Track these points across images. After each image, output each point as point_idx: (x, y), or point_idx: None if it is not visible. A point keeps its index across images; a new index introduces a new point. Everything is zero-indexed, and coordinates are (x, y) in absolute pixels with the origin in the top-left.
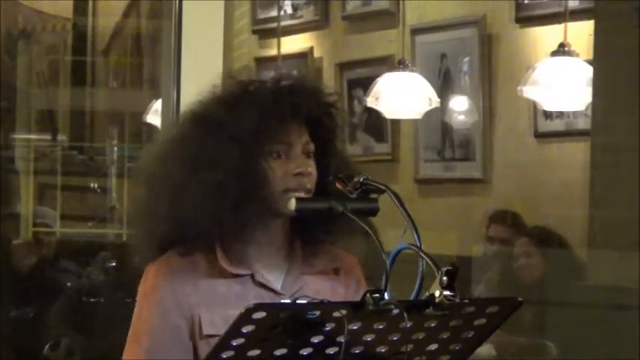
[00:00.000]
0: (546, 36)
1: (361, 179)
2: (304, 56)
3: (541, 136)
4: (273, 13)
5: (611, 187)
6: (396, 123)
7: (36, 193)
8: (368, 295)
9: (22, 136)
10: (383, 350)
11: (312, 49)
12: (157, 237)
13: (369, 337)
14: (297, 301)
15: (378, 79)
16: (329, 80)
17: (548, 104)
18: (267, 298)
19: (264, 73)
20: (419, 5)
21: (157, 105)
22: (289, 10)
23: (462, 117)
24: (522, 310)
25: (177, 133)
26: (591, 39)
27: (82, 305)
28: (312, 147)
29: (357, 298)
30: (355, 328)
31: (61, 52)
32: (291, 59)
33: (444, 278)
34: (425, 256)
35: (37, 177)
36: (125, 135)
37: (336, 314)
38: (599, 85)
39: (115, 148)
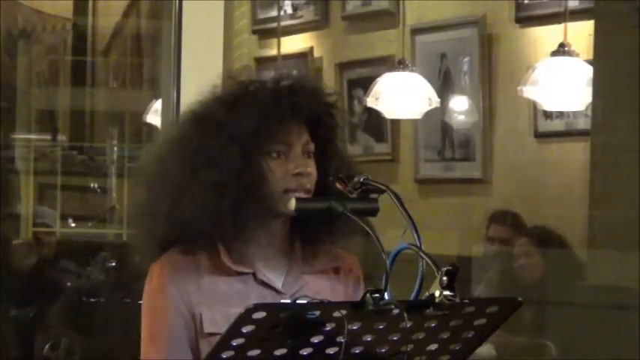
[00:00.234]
0: (546, 36)
1: (361, 179)
2: (304, 56)
3: (541, 136)
4: (273, 13)
5: (611, 187)
6: (396, 123)
7: (36, 193)
8: (368, 295)
9: (22, 136)
10: (383, 350)
11: (312, 49)
12: (157, 237)
13: (369, 337)
14: (297, 301)
15: (378, 79)
16: (329, 80)
17: (548, 104)
18: (269, 296)
19: (264, 73)
20: (419, 5)
21: (157, 105)
22: (289, 10)
23: (462, 117)
24: (522, 310)
25: (178, 133)
26: (591, 39)
27: (82, 305)
28: (312, 147)
29: (357, 297)
30: (355, 328)
31: (61, 52)
32: (291, 59)
33: (444, 278)
34: (425, 256)
35: (37, 177)
36: (125, 135)
37: (336, 314)
38: (599, 85)
39: (115, 148)
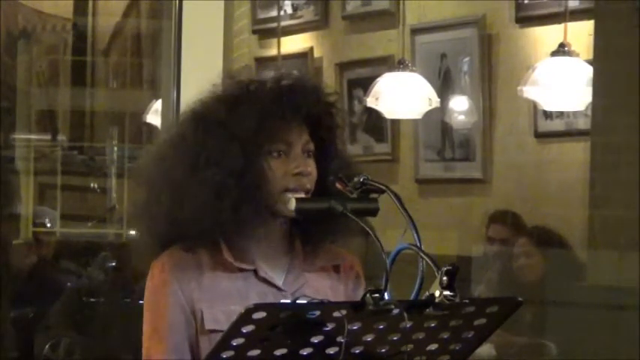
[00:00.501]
0: (546, 36)
1: (361, 179)
2: (304, 56)
3: (541, 136)
4: (273, 13)
5: (611, 187)
6: (396, 123)
7: (36, 193)
8: (368, 295)
9: (22, 136)
10: (383, 350)
11: (312, 49)
12: (157, 236)
13: (369, 337)
14: (297, 302)
15: (378, 79)
16: (329, 80)
17: (548, 104)
18: (270, 294)
19: (264, 73)
20: (419, 5)
21: (157, 105)
22: (289, 10)
23: (462, 117)
24: (522, 310)
25: (177, 132)
26: (591, 39)
27: (82, 305)
28: (311, 146)
29: (356, 295)
30: (355, 328)
31: (61, 52)
32: (291, 59)
33: (444, 278)
34: (425, 256)
35: (37, 177)
36: (125, 135)
37: (336, 314)
38: (599, 85)
39: (115, 148)
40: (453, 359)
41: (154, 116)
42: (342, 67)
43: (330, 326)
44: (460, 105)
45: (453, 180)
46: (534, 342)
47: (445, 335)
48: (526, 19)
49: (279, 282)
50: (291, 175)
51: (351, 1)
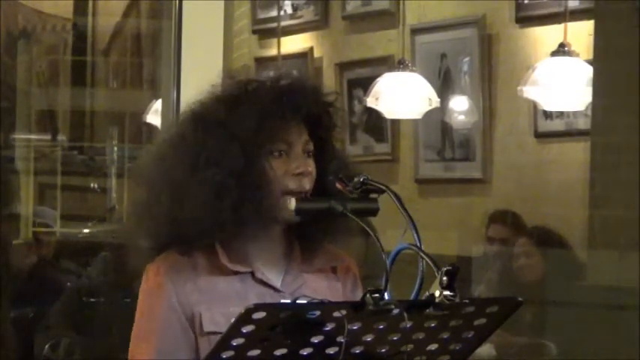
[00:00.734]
0: (546, 36)
1: (361, 179)
2: (304, 56)
3: (541, 136)
4: (273, 13)
5: (611, 187)
6: (396, 123)
7: (36, 193)
8: (368, 295)
9: (22, 136)
10: (383, 350)
11: (312, 49)
12: (156, 237)
13: (369, 337)
14: (297, 301)
15: (378, 79)
16: (329, 80)
17: (548, 104)
18: (268, 295)
19: (264, 73)
20: (419, 5)
21: (157, 105)
22: (289, 10)
23: (462, 117)
24: (522, 310)
25: (177, 132)
26: (591, 39)
27: (82, 305)
28: (311, 146)
29: (354, 296)
30: (355, 328)
31: (61, 52)
32: (291, 59)
33: (444, 278)
34: (425, 256)
35: (37, 177)
36: (125, 135)
37: (336, 314)
38: (599, 85)
39: (115, 148)
40: (453, 359)
41: (153, 116)
42: (342, 67)
43: (330, 326)
44: (460, 105)
45: (453, 180)
46: (534, 342)
47: (445, 335)
48: (526, 19)
49: (277, 283)
50: (292, 174)
51: (351, 1)
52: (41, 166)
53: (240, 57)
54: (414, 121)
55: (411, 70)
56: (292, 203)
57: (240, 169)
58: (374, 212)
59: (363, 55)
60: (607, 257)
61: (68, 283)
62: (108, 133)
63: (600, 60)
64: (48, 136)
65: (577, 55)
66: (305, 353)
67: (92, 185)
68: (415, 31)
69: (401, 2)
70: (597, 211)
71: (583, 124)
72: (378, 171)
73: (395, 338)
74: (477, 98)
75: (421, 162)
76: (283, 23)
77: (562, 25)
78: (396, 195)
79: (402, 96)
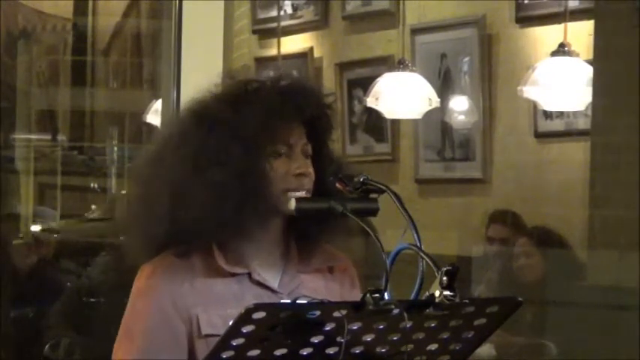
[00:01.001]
0: (546, 36)
1: (361, 179)
2: (304, 56)
3: (541, 136)
4: (273, 13)
5: (611, 187)
6: (396, 123)
7: (36, 193)
8: (368, 295)
9: (22, 136)
10: (383, 350)
11: (312, 49)
12: (154, 237)
13: (369, 337)
14: (297, 301)
15: (378, 79)
16: (329, 80)
17: (548, 104)
18: (265, 296)
19: (264, 73)
20: (419, 5)
21: (157, 105)
22: (289, 10)
23: (462, 117)
24: (522, 310)
25: (177, 132)
26: (591, 39)
27: (82, 305)
28: (309, 149)
29: (352, 296)
30: (355, 328)
31: (61, 52)
32: (291, 59)
33: (444, 278)
34: (425, 256)
35: (37, 177)
36: (125, 135)
37: (336, 314)
38: (599, 85)
39: (115, 148)
40: (453, 359)
41: (154, 116)
42: (342, 67)
43: (330, 326)
44: (460, 105)
45: (453, 180)
46: (534, 342)
47: (445, 335)
48: (526, 19)
49: (275, 284)
50: (293, 175)
51: (351, 1)
52: (41, 166)
53: (240, 57)
54: (414, 121)
55: (411, 70)
56: (292, 203)
57: (242, 170)
58: (374, 212)
59: (363, 55)
60: (607, 257)
61: (68, 283)
62: (108, 133)
63: (600, 60)
64: (48, 136)
65: (577, 55)
66: (305, 353)
67: (92, 185)
68: (415, 31)
69: (401, 2)
70: (597, 211)
71: (583, 124)
72: (378, 171)
73: (395, 338)
74: (476, 98)
75: (421, 162)
76: (283, 23)
77: (562, 25)
78: (396, 195)
79: (402, 96)
